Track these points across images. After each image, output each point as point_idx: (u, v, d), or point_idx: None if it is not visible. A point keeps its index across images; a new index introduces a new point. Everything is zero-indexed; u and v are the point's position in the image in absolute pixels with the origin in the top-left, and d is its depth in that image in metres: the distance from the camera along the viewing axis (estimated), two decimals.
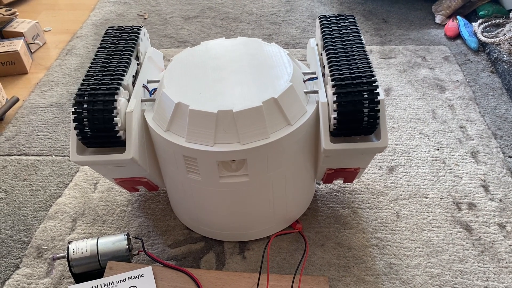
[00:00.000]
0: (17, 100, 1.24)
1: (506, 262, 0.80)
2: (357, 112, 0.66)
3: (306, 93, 0.76)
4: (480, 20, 1.41)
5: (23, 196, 0.98)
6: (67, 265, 0.76)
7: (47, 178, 1.02)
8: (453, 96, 1.19)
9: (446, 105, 1.16)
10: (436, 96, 1.20)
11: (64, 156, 1.08)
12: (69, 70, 1.40)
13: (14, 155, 1.09)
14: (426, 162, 1.00)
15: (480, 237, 0.84)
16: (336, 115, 0.67)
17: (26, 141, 1.12)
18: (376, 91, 0.66)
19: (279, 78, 0.74)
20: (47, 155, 1.08)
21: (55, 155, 1.08)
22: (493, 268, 0.79)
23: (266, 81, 0.74)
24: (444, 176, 0.97)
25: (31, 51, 1.47)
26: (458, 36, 1.43)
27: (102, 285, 0.73)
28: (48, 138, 1.13)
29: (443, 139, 1.06)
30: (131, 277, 0.74)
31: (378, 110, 0.67)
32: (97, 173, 1.02)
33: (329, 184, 0.96)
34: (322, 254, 0.82)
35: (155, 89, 0.81)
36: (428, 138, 1.06)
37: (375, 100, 0.66)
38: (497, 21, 1.40)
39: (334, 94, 0.67)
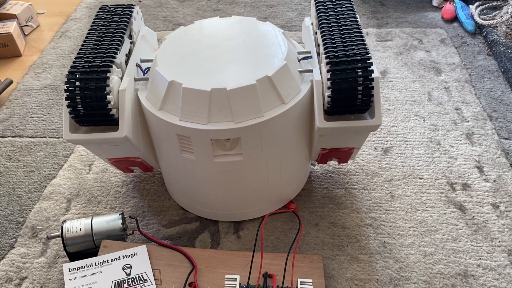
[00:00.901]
0: (11, 82, 1.23)
1: (499, 241, 0.80)
2: (351, 90, 0.66)
3: (301, 72, 0.76)
4: (477, 3, 1.40)
5: (17, 177, 0.97)
6: (62, 244, 0.76)
7: (42, 159, 1.01)
8: (449, 79, 1.19)
9: (442, 87, 1.16)
10: (432, 78, 1.19)
11: (59, 138, 1.07)
12: (63, 52, 1.39)
13: (8, 136, 1.08)
14: (421, 144, 1.00)
15: (473, 217, 0.84)
16: (330, 93, 0.67)
17: (20, 123, 1.12)
18: (370, 68, 0.66)
19: (273, 56, 0.74)
20: (41, 137, 1.08)
21: (49, 137, 1.08)
22: (486, 247, 0.79)
23: (260, 60, 0.73)
24: (439, 157, 0.97)
25: (24, 34, 1.45)
26: (455, 18, 1.42)
27: (97, 263, 0.73)
28: (42, 120, 1.13)
29: (438, 120, 1.06)
30: (126, 255, 0.74)
31: (372, 88, 0.66)
32: (91, 155, 1.02)
33: (324, 165, 0.96)
34: (316, 234, 0.83)
35: (148, 68, 0.80)
36: (424, 120, 1.06)
37: (369, 77, 0.66)
38: (494, 3, 1.39)
39: (328, 71, 0.67)
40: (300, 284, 0.70)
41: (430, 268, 0.77)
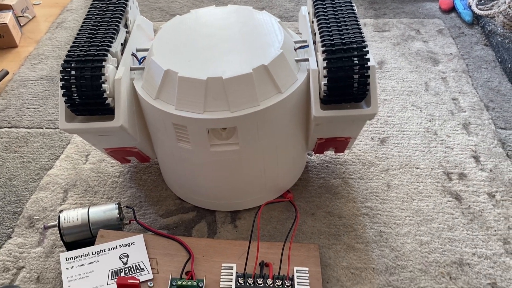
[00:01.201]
0: (7, 73, 1.23)
1: (495, 230, 0.80)
2: (347, 78, 0.66)
3: (297, 61, 0.75)
4: None
5: (14, 168, 0.97)
6: (59, 234, 0.76)
7: (38, 150, 1.01)
8: (446, 69, 1.19)
9: (439, 78, 1.16)
10: (429, 68, 1.19)
11: (55, 128, 1.07)
12: (59, 43, 1.38)
13: (5, 127, 1.08)
14: (418, 134, 1.00)
15: (469, 206, 0.85)
16: (326, 82, 0.67)
17: (16, 114, 1.12)
18: (366, 57, 0.66)
19: (269, 45, 0.73)
20: (37, 128, 1.07)
21: (46, 128, 1.07)
22: (482, 235, 0.80)
23: (257, 49, 0.73)
24: (435, 147, 0.97)
25: (20, 24, 1.45)
26: (452, 9, 1.42)
27: (93, 253, 0.73)
28: (38, 110, 1.12)
29: (435, 111, 1.06)
30: (122, 245, 0.74)
31: (368, 76, 0.66)
32: (88, 145, 1.01)
33: (321, 154, 0.96)
34: (313, 223, 0.83)
35: (144, 58, 0.80)
36: (420, 110, 1.06)
37: (365, 66, 0.66)
38: None
39: (324, 60, 0.67)
40: (297, 272, 0.70)
41: (426, 256, 0.77)
